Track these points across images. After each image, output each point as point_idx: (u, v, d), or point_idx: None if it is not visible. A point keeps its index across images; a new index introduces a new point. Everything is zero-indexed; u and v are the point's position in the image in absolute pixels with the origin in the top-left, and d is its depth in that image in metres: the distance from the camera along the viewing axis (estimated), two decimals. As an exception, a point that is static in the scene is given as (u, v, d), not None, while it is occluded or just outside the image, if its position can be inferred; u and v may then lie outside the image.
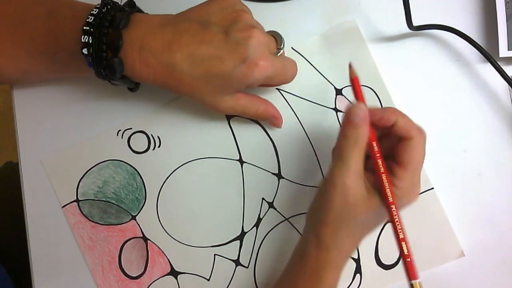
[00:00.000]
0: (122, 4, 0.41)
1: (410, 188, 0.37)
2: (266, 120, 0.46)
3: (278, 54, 0.43)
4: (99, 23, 0.39)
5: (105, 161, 0.47)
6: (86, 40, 0.39)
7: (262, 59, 0.39)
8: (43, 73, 0.45)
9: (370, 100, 0.46)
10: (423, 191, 0.45)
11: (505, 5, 0.43)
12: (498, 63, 0.43)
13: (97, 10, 0.40)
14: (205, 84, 0.40)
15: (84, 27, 0.39)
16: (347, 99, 0.46)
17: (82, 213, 0.47)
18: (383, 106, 0.46)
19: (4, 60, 0.43)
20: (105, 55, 0.39)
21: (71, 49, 0.41)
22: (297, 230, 0.46)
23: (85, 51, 0.39)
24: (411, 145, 0.36)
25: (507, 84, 0.44)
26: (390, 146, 0.38)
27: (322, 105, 0.47)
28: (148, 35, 0.39)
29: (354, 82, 0.39)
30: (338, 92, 0.47)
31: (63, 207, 0.47)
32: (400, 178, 0.36)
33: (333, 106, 0.47)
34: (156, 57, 0.39)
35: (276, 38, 0.43)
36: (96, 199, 0.47)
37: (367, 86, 0.46)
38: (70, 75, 0.46)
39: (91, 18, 0.39)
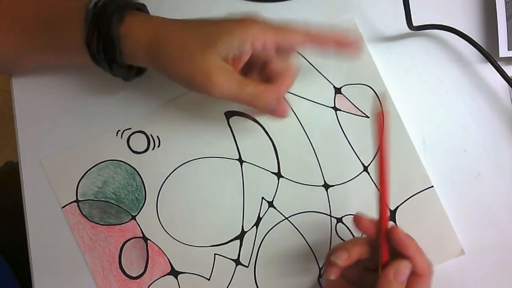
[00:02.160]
0: None
1: None
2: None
3: None
4: None
5: (104, 161, 0.47)
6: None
7: None
8: (37, 50, 0.44)
9: (370, 99, 0.46)
10: (423, 189, 0.45)
11: (505, 5, 0.43)
12: (498, 63, 0.43)
13: None
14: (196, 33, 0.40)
15: None
16: (346, 97, 0.46)
17: (82, 213, 0.47)
18: (383, 106, 0.46)
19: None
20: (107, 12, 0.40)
21: (72, 12, 0.42)
22: (297, 229, 0.46)
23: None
24: (423, 282, 0.37)
25: (507, 84, 0.44)
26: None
27: (321, 104, 0.47)
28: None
29: (378, 120, 0.38)
30: (337, 90, 0.47)
31: (63, 207, 0.47)
32: None
33: (332, 105, 0.47)
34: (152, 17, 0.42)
35: None
36: (96, 199, 0.47)
37: (367, 85, 0.46)
38: (63, 53, 0.45)
39: None
